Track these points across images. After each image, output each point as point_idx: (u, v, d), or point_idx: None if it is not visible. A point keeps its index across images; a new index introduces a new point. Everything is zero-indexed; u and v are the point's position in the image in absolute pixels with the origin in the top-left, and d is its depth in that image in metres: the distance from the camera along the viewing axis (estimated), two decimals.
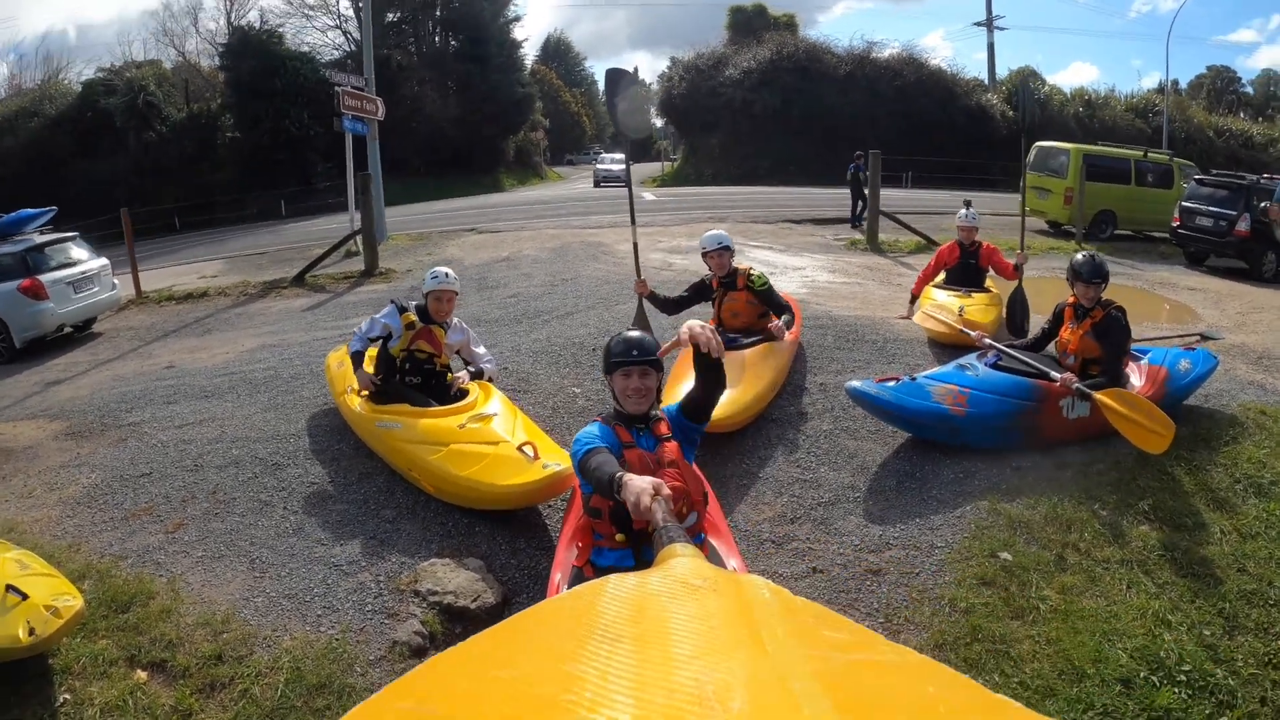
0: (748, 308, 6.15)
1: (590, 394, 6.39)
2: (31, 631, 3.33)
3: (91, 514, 5.02)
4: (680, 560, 1.44)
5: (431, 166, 36.33)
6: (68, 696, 3.44)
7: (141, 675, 3.53)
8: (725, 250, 6.13)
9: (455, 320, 5.57)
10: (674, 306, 6.50)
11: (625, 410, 3.20)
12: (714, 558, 3.24)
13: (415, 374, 5.36)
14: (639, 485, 2.26)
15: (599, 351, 7.28)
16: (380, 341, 5.41)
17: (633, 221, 6.71)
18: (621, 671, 0.90)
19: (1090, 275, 5.15)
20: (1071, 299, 5.37)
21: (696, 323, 3.02)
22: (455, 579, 3.97)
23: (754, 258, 11.88)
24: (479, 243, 15.29)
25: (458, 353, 5.67)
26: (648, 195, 27.39)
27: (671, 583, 1.25)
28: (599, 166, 36.87)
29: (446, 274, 5.41)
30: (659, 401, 3.36)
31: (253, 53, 31.60)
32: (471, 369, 5.60)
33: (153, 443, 6.06)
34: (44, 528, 4.87)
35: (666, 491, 2.25)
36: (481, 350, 5.73)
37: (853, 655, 1.05)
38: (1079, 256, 5.32)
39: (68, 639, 3.65)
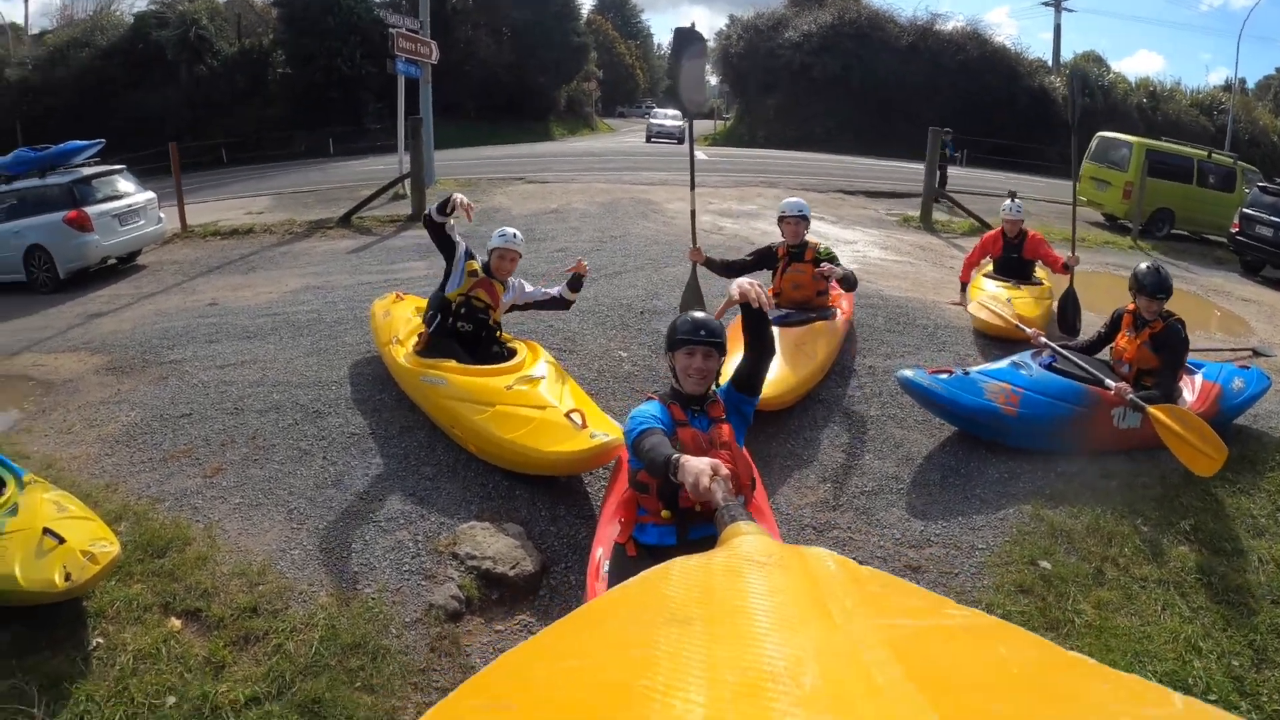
0: (810, 282, 6.03)
1: (637, 359, 6.27)
2: (68, 577, 3.34)
3: (130, 453, 5.04)
4: (746, 538, 1.44)
5: (484, 111, 36.04)
6: (101, 641, 3.44)
7: (175, 623, 3.52)
8: (803, 219, 6.07)
9: (512, 280, 5.49)
10: (733, 270, 6.33)
11: (684, 389, 3.19)
12: None
13: (469, 321, 5.29)
14: (697, 466, 2.21)
15: (647, 315, 7.24)
16: (440, 283, 5.38)
17: (692, 187, 6.51)
18: (692, 653, 0.90)
19: (1154, 290, 5.02)
20: (1131, 306, 5.22)
21: (744, 279, 3.04)
22: (495, 544, 3.90)
23: None
24: (527, 192, 15.15)
25: (513, 308, 5.60)
26: (700, 154, 26.88)
27: (738, 561, 1.24)
28: (652, 121, 36.35)
29: (515, 234, 5.37)
30: (718, 384, 3.34)
31: None
32: (556, 290, 5.61)
33: (194, 382, 6.07)
34: (82, 465, 4.90)
35: (725, 471, 2.19)
36: (534, 288, 5.65)
37: (922, 621, 1.05)
38: (1143, 267, 5.14)
39: (103, 582, 3.66)
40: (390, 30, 14.44)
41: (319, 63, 31.03)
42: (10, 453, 4.94)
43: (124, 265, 11.31)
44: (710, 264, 6.22)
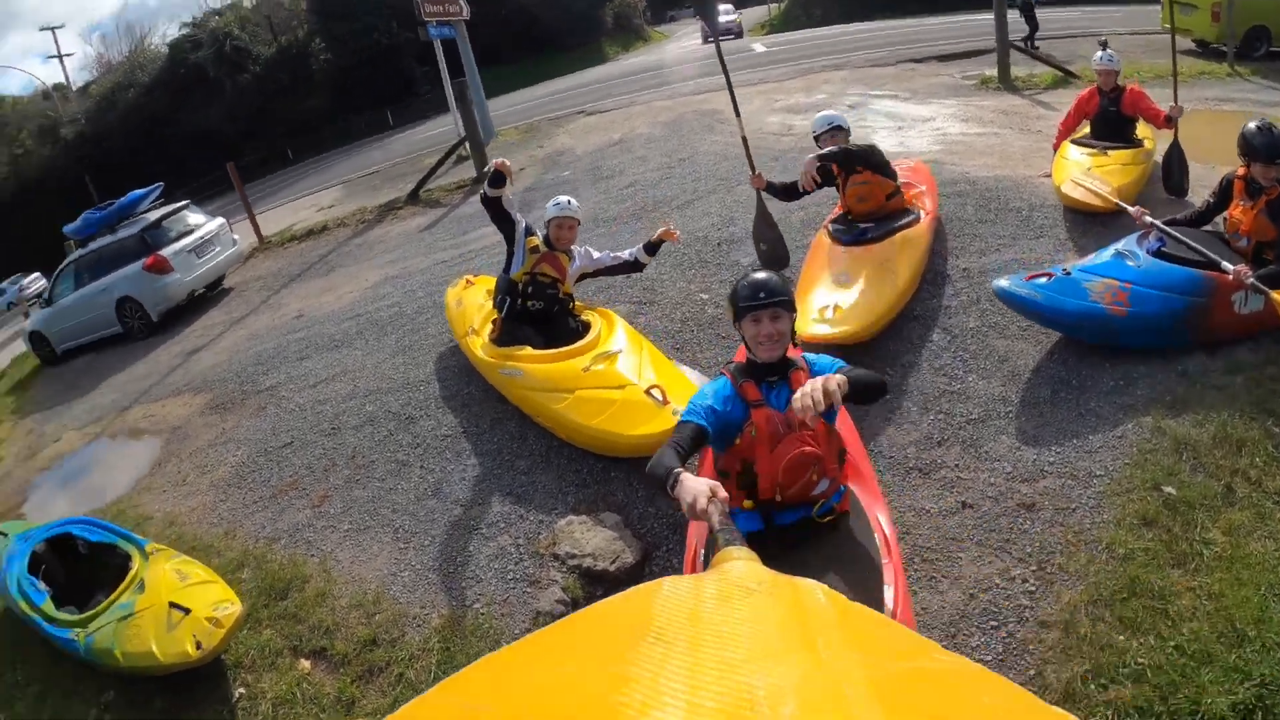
0: (875, 190, 5.64)
1: (720, 300, 6.13)
2: (199, 645, 3.65)
3: (242, 495, 5.35)
4: (736, 564, 1.47)
5: (526, 51, 35.69)
6: (242, 691, 3.73)
7: (305, 665, 3.77)
8: (838, 130, 5.67)
9: (576, 248, 5.46)
10: (794, 194, 6.07)
11: (758, 358, 2.95)
12: (856, 508, 3.05)
13: (538, 298, 5.31)
14: (695, 488, 2.17)
15: (724, 246, 7.10)
16: (504, 265, 5.39)
17: (737, 115, 6.25)
18: (673, 674, 0.91)
19: (1270, 154, 4.43)
20: (1242, 170, 4.67)
21: (796, 397, 2.47)
22: (593, 540, 3.95)
23: (878, 109, 11.05)
24: (589, 126, 15.01)
25: (582, 277, 5.58)
26: (757, 46, 25.90)
27: (727, 586, 1.26)
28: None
29: (569, 201, 5.31)
30: (794, 343, 3.07)
31: None
32: (628, 254, 5.58)
33: (290, 407, 6.35)
34: (200, 516, 5.23)
35: (723, 494, 2.14)
36: (601, 253, 5.62)
37: (908, 663, 1.06)
38: (1251, 127, 4.53)
39: (244, 630, 3.96)
40: None
41: (356, 41, 31.42)
42: (135, 515, 5.35)
43: (212, 293, 11.86)
44: (771, 190, 5.97)
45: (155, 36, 39.23)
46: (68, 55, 39.50)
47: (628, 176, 10.45)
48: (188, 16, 36.44)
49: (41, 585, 4.41)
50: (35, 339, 12.09)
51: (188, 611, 3.74)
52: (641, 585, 1.27)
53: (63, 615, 4.16)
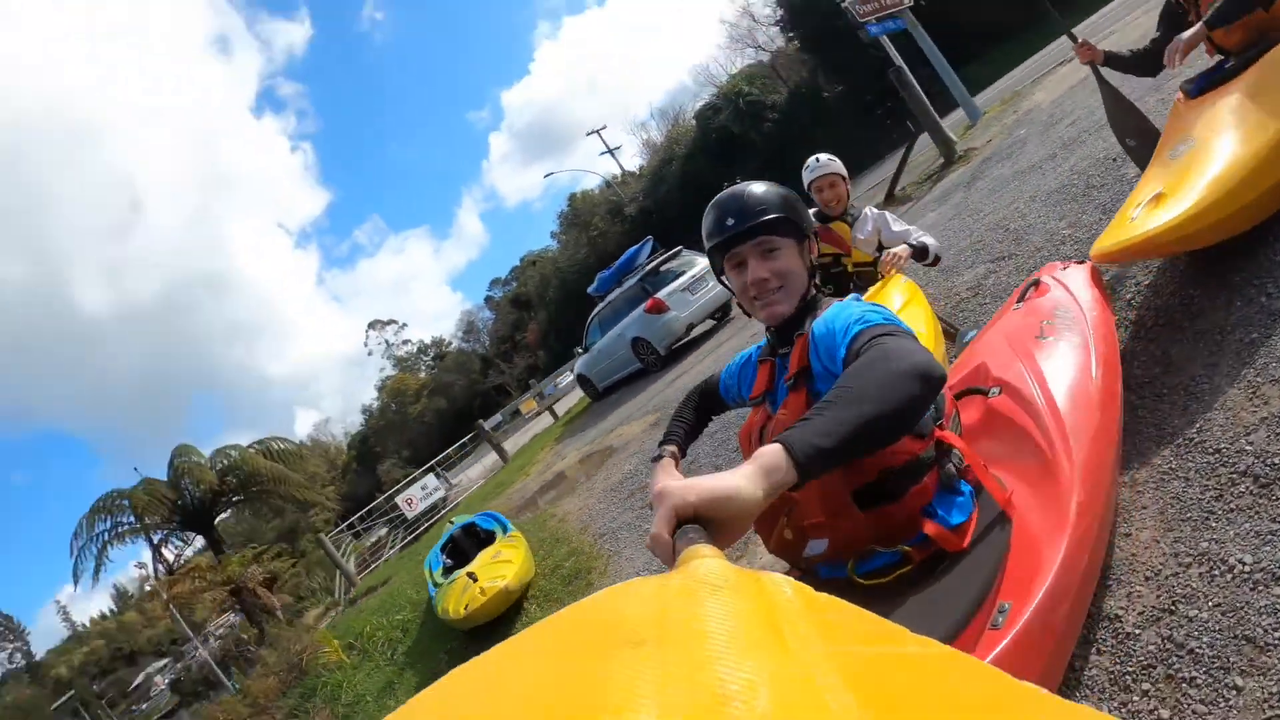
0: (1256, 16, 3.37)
1: (1081, 236, 4.79)
2: (466, 608, 4.50)
3: (611, 496, 6.01)
4: (702, 561, 1.27)
5: (1018, 12, 30.56)
6: None
7: None
8: None
9: (861, 209, 4.62)
10: (1144, 59, 3.97)
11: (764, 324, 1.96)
12: (990, 545, 1.84)
13: (825, 282, 4.61)
14: (657, 486, 1.78)
15: (1119, 161, 5.61)
16: None
17: None
18: (645, 675, 0.84)
19: None
20: None
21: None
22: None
23: None
24: (1064, 74, 12.95)
25: (880, 248, 4.86)
26: None
27: (692, 583, 1.12)
28: None
29: (816, 160, 4.57)
30: (815, 282, 1.96)
31: (810, 8, 32.31)
32: (911, 244, 4.37)
33: None
34: (577, 514, 6.02)
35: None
36: (904, 228, 4.55)
37: (875, 648, 0.97)
38: None
39: (536, 607, 4.57)
40: (842, 4, 13.98)
41: (856, 71, 31.24)
42: (547, 510, 6.41)
43: (721, 322, 12.94)
44: (1112, 61, 4.08)
45: (686, 112, 44.54)
46: (617, 148, 46.48)
47: (1072, 116, 8.77)
48: (713, 90, 40.40)
49: (443, 557, 5.74)
50: (581, 380, 14.76)
51: (476, 581, 4.54)
52: (608, 589, 1.11)
53: (438, 578, 5.35)
